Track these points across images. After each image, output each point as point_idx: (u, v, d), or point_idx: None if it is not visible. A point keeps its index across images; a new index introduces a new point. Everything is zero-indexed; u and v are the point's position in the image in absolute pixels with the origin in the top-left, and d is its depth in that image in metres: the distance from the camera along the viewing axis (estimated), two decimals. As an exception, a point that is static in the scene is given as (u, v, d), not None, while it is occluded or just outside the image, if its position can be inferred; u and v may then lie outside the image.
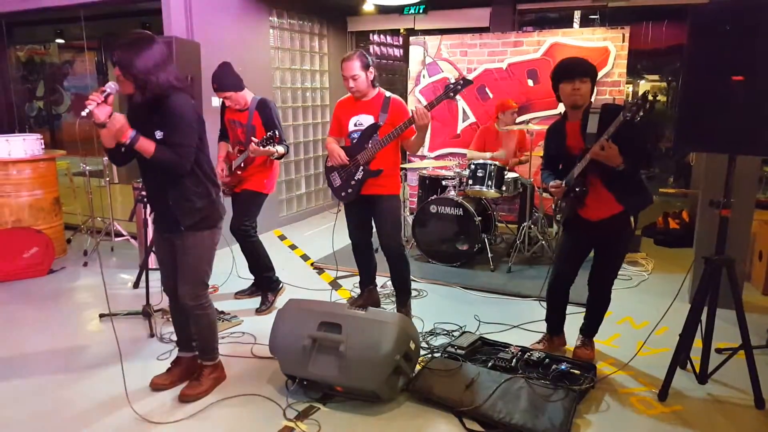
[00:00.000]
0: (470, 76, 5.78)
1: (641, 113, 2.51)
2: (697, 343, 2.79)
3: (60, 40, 7.80)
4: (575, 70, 2.78)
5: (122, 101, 2.86)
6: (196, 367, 2.94)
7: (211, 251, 2.79)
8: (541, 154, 4.71)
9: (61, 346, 3.40)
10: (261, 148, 3.50)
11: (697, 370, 2.82)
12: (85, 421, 2.61)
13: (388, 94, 3.41)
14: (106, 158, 5.43)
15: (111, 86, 2.51)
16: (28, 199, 4.89)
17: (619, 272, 4.56)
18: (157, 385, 2.89)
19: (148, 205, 2.79)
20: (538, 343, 3.27)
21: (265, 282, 4.02)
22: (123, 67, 2.45)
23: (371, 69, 3.34)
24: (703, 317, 2.73)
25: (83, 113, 2.43)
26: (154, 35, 2.57)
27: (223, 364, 2.98)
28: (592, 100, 2.90)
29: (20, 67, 7.98)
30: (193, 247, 2.70)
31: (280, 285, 4.12)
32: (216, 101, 5.02)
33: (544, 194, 4.99)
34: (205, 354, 2.90)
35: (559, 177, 2.98)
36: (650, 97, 2.52)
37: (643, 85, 8.88)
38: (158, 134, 2.55)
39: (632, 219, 2.92)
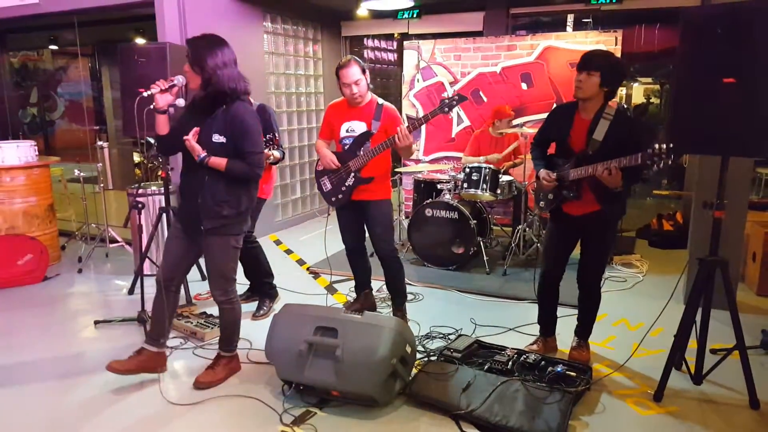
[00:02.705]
0: (464, 80, 5.83)
1: (661, 165, 2.49)
2: (692, 344, 2.81)
3: (53, 47, 7.80)
4: (585, 61, 2.75)
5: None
6: (156, 362, 2.98)
7: (236, 251, 2.91)
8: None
9: (56, 353, 3.38)
10: None
11: (692, 371, 2.84)
12: (81, 427, 2.59)
13: (380, 101, 3.39)
14: (99, 164, 5.42)
15: (179, 79, 2.70)
16: (22, 206, 4.87)
17: (614, 274, 4.66)
18: (113, 369, 2.87)
19: (181, 196, 2.89)
20: (532, 345, 3.28)
21: (264, 288, 4.01)
22: (194, 60, 2.61)
23: (366, 72, 3.34)
24: (698, 318, 2.75)
25: (145, 93, 2.64)
26: (225, 40, 2.74)
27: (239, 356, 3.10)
28: (611, 103, 2.84)
29: (13, 73, 7.96)
30: (219, 249, 2.83)
31: (277, 294, 4.11)
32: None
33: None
34: (226, 346, 3.02)
35: (549, 163, 3.00)
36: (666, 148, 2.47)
37: (637, 88, 8.94)
38: (216, 137, 2.67)
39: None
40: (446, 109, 3.11)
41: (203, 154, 2.65)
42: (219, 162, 2.66)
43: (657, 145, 2.50)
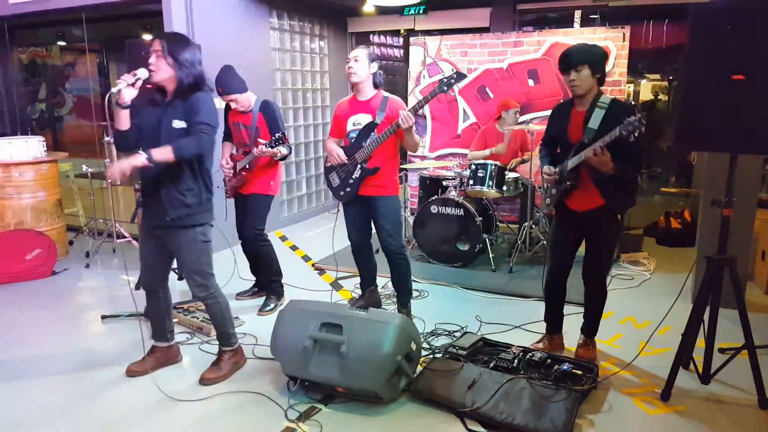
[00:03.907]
0: (471, 77, 5.80)
1: (637, 134, 2.51)
2: (700, 343, 2.79)
3: (62, 43, 7.83)
4: (566, 61, 2.78)
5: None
6: (170, 355, 3.10)
7: (206, 245, 2.89)
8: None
9: (63, 347, 3.40)
10: (269, 149, 3.51)
11: (700, 370, 2.82)
12: (85, 422, 2.61)
13: (386, 94, 3.42)
14: (107, 160, 5.44)
15: (143, 72, 2.66)
16: (31, 201, 4.90)
17: (621, 272, 4.63)
18: (132, 372, 2.99)
19: (141, 197, 2.90)
20: (538, 342, 3.27)
21: (273, 286, 4.01)
22: (171, 54, 2.63)
23: (375, 65, 3.37)
24: (706, 317, 2.73)
25: (114, 90, 2.62)
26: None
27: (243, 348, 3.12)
28: (601, 89, 2.87)
29: (22, 69, 7.99)
30: (187, 244, 2.80)
31: (284, 294, 4.10)
32: (217, 103, 5.03)
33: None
34: (224, 340, 3.02)
35: (555, 161, 3.01)
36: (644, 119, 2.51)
37: (645, 85, 8.87)
38: (176, 123, 2.69)
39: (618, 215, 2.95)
40: (445, 87, 3.13)
41: (143, 155, 2.58)
42: (164, 151, 2.60)
43: (632, 117, 2.52)
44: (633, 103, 8.07)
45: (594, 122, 2.78)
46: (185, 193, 2.74)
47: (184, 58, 2.65)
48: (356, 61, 3.32)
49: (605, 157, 2.64)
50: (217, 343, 3.06)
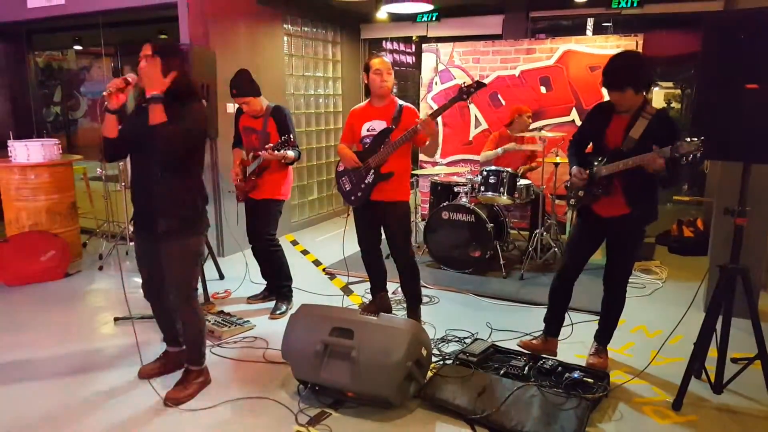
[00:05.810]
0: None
1: (690, 158, 2.47)
2: (712, 353, 2.77)
3: (78, 47, 7.93)
4: (610, 82, 2.73)
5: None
6: (183, 359, 3.02)
7: (197, 257, 2.84)
8: (554, 161, 4.75)
9: (76, 348, 3.43)
10: (276, 152, 3.54)
11: (712, 380, 2.80)
12: (95, 422, 2.63)
13: (401, 102, 3.45)
14: (122, 163, 5.49)
15: (132, 77, 2.63)
16: (46, 203, 4.95)
17: (633, 280, 4.60)
18: (144, 374, 3.00)
19: (134, 206, 2.86)
20: (532, 339, 3.26)
21: (283, 291, 4.03)
22: (173, 59, 2.60)
23: (392, 74, 3.45)
24: (718, 326, 2.71)
25: (105, 93, 2.57)
26: None
27: (209, 369, 3.03)
28: (647, 97, 2.83)
29: (38, 72, 8.10)
30: (179, 256, 2.73)
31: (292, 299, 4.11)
32: (230, 108, 5.07)
33: (557, 201, 4.98)
34: (193, 359, 2.93)
35: (583, 161, 2.98)
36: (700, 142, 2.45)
37: (657, 93, 8.83)
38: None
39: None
40: (465, 96, 3.15)
41: (153, 94, 2.53)
42: (161, 112, 2.52)
43: (689, 139, 2.47)
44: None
45: (636, 132, 2.75)
46: (179, 202, 2.68)
47: (175, 62, 2.61)
48: (389, 73, 3.38)
49: (660, 159, 2.58)
50: (229, 346, 3.05)
